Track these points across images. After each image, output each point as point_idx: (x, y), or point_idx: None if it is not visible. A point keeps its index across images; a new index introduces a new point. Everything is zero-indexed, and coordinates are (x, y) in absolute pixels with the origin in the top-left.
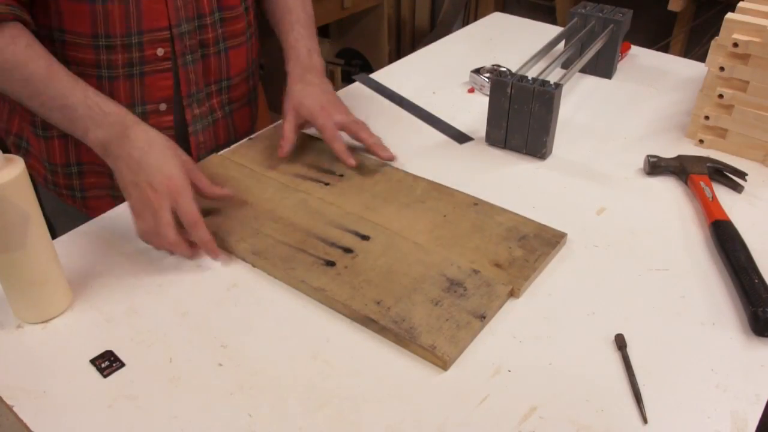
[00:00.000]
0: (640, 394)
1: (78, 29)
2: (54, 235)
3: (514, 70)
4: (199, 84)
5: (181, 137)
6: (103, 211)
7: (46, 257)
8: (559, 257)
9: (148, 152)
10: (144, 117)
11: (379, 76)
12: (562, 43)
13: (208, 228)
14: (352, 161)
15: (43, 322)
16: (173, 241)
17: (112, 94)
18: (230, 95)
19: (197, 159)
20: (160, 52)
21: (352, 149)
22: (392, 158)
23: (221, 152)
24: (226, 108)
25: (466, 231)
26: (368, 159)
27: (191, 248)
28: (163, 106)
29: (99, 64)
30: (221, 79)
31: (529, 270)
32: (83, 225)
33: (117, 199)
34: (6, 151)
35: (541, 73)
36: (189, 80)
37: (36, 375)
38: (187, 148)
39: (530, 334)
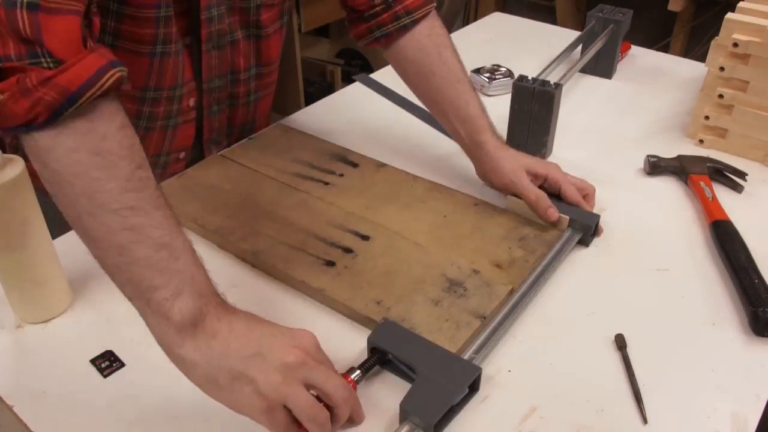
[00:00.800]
0: (640, 394)
1: (134, 81)
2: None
3: (514, 71)
4: (222, 130)
5: None
6: None
7: (47, 257)
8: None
9: (256, 323)
10: (165, 165)
11: (379, 76)
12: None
13: (208, 227)
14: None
15: (43, 322)
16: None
17: (144, 145)
18: (251, 133)
19: None
20: (191, 102)
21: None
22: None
23: (221, 152)
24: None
25: (466, 231)
26: (368, 159)
27: None
28: (182, 155)
29: (140, 116)
30: (245, 124)
31: (528, 270)
32: None
33: None
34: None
35: (562, 76)
36: (212, 128)
37: (36, 375)
38: None
39: (530, 334)
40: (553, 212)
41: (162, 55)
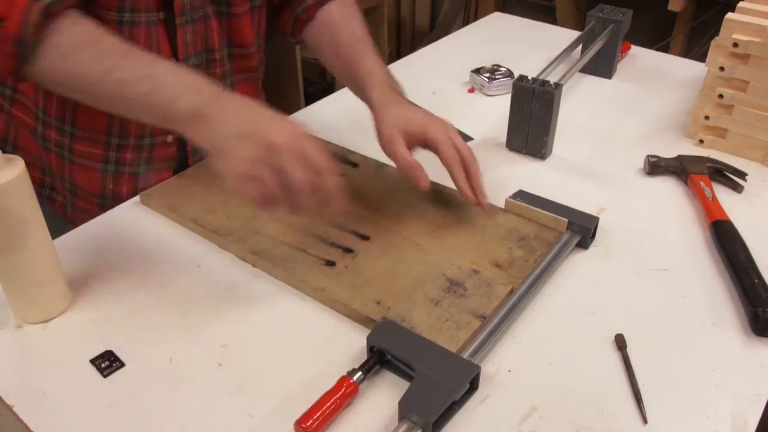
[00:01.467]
0: (640, 394)
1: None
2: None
3: (514, 71)
4: None
5: (182, 167)
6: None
7: (47, 258)
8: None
9: (251, 105)
10: (151, 148)
11: None
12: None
13: (208, 227)
14: (479, 199)
15: (42, 322)
16: (301, 192)
17: (123, 127)
18: None
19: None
20: None
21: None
22: (485, 205)
23: None
24: None
25: (466, 231)
26: (368, 159)
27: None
28: (169, 138)
29: None
30: None
31: (528, 270)
32: (83, 225)
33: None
34: None
35: (562, 76)
36: None
37: (36, 375)
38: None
39: (530, 334)
40: (424, 181)
41: (131, 24)
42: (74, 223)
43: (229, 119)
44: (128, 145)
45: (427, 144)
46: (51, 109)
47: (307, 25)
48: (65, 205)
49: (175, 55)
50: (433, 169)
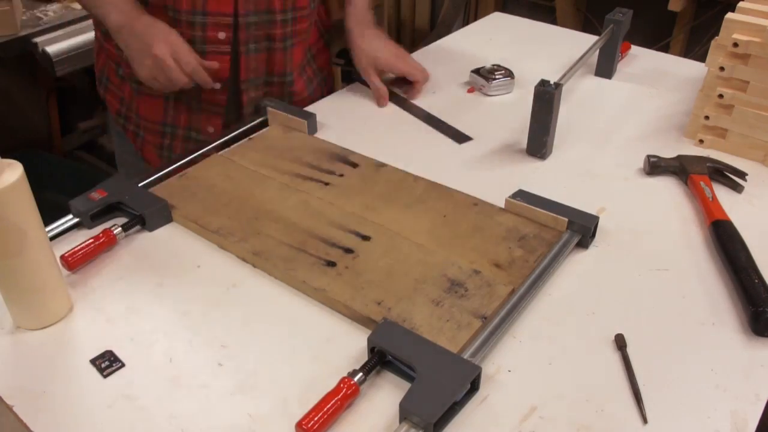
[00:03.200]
0: (640, 394)
1: None
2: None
3: (514, 71)
4: (260, 72)
5: (235, 116)
6: (155, 163)
7: (45, 263)
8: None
9: (154, 24)
10: (198, 92)
11: None
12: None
13: (208, 228)
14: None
15: (42, 328)
16: (183, 83)
17: None
18: (291, 89)
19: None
20: (221, 35)
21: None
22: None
23: (221, 152)
24: (286, 99)
25: (466, 231)
26: (368, 159)
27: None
28: (217, 85)
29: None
30: (283, 74)
31: (528, 270)
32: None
33: (164, 158)
34: (92, 84)
35: (562, 76)
36: (249, 67)
37: (36, 375)
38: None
39: (530, 334)
40: (384, 101)
41: None
42: (142, 152)
43: (135, 36)
44: None
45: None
46: (127, 100)
47: None
48: (136, 133)
49: (235, 12)
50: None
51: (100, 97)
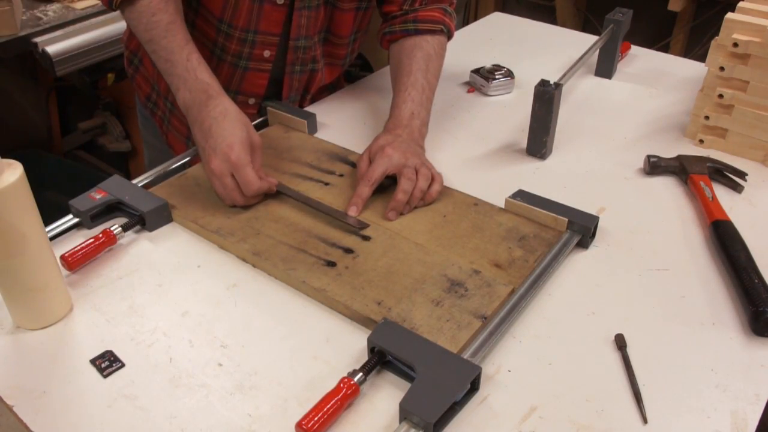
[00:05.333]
0: (640, 394)
1: (209, 6)
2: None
3: (514, 71)
4: (299, 91)
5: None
6: (179, 150)
7: (45, 263)
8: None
9: (219, 122)
10: (245, 70)
11: (379, 76)
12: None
13: (208, 228)
14: (352, 211)
15: (42, 328)
16: (240, 203)
17: (215, 72)
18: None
19: None
20: (266, 54)
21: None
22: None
23: None
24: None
25: (466, 231)
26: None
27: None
28: (251, 100)
29: (216, 43)
30: (320, 91)
31: (528, 270)
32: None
33: (190, 146)
34: (121, 64)
35: (562, 76)
36: (292, 87)
37: (36, 375)
38: None
39: (530, 334)
40: (353, 209)
41: (260, 2)
42: (167, 138)
43: (200, 129)
44: (225, 61)
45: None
46: (160, 84)
47: (392, 44)
48: (162, 119)
49: (285, 35)
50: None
51: (128, 75)
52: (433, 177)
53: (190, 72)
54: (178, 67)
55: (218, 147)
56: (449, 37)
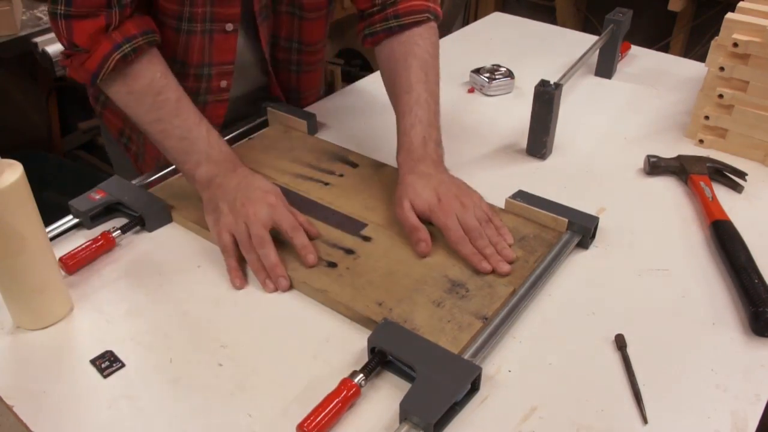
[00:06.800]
0: (640, 394)
1: (166, 51)
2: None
3: (514, 71)
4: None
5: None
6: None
7: (45, 264)
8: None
9: (250, 179)
10: (205, 103)
11: (379, 76)
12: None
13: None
14: (486, 266)
15: (42, 328)
16: (274, 263)
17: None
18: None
19: None
20: (223, 84)
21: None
22: (495, 270)
23: None
24: None
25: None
26: (367, 159)
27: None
28: (224, 83)
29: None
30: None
31: (528, 270)
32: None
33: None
34: (86, 100)
35: (562, 76)
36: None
37: (36, 375)
38: None
39: (530, 334)
40: (424, 247)
41: (188, 33)
42: (140, 170)
43: (229, 191)
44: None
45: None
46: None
47: (377, 47)
48: (137, 155)
49: (234, 56)
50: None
51: (95, 112)
52: (484, 211)
53: (213, 147)
54: (200, 143)
55: (253, 193)
56: (437, 20)
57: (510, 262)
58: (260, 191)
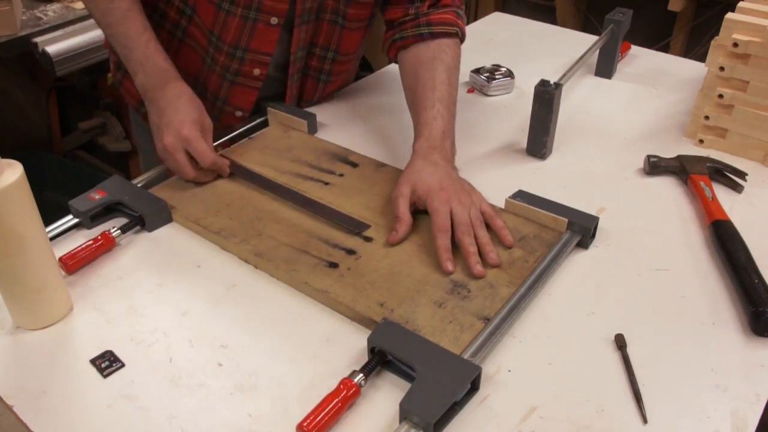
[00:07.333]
0: (640, 394)
1: (202, 16)
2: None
3: (514, 71)
4: (301, 96)
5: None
6: None
7: (45, 263)
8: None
9: (173, 104)
10: (220, 114)
11: (379, 76)
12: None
13: (210, 229)
14: (450, 267)
15: (41, 328)
16: (192, 177)
17: (205, 80)
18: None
19: None
20: (256, 72)
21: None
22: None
23: (222, 152)
24: None
25: None
26: (368, 159)
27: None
28: (238, 113)
29: (207, 52)
30: (312, 99)
31: (528, 270)
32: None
33: None
34: (92, 84)
35: (562, 76)
36: (292, 95)
37: (36, 375)
38: None
39: (530, 334)
40: (394, 236)
41: (227, 12)
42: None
43: (154, 109)
44: (215, 72)
45: (427, 209)
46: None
47: (401, 51)
48: None
49: (272, 48)
50: None
51: (115, 80)
52: (484, 212)
53: (149, 58)
54: (137, 52)
55: (171, 123)
56: (462, 39)
57: (495, 266)
58: (178, 121)
